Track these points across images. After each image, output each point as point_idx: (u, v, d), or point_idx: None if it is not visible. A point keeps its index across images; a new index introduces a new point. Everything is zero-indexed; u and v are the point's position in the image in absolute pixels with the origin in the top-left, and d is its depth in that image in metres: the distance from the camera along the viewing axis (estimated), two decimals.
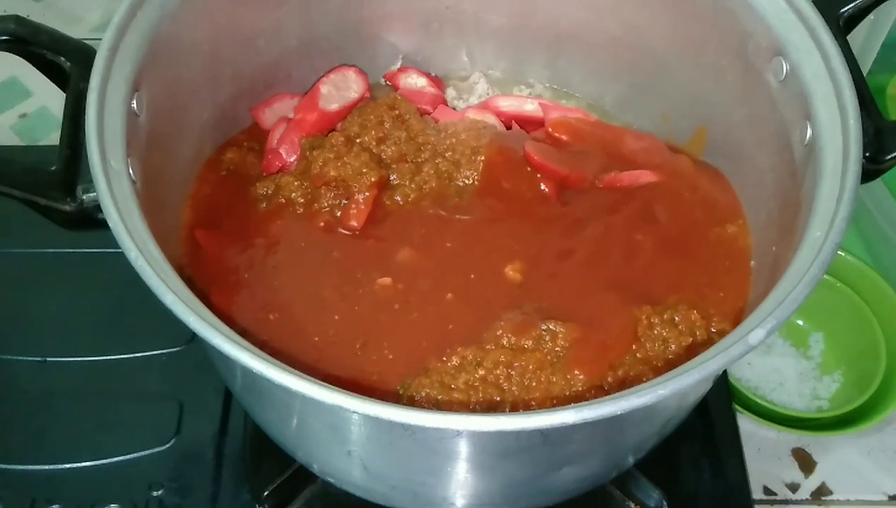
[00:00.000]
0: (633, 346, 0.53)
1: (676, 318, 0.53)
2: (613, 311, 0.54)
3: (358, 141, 0.63)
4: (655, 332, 0.53)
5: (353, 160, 0.61)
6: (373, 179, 0.60)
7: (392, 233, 0.60)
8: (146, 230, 0.45)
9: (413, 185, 0.62)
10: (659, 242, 0.59)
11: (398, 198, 0.62)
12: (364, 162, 0.61)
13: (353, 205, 0.60)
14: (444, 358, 0.52)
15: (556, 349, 0.52)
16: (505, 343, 0.52)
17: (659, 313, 0.53)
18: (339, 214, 0.61)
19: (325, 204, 0.61)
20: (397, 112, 0.65)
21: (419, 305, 0.56)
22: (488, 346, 0.52)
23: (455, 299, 0.56)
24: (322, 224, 0.60)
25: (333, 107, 0.66)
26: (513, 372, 0.51)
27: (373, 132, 0.63)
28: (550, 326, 0.52)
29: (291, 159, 0.64)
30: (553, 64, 0.73)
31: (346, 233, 0.60)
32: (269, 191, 0.62)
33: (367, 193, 0.60)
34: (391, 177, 0.62)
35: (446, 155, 0.63)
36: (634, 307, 0.54)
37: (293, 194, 0.61)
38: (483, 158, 0.63)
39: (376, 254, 0.59)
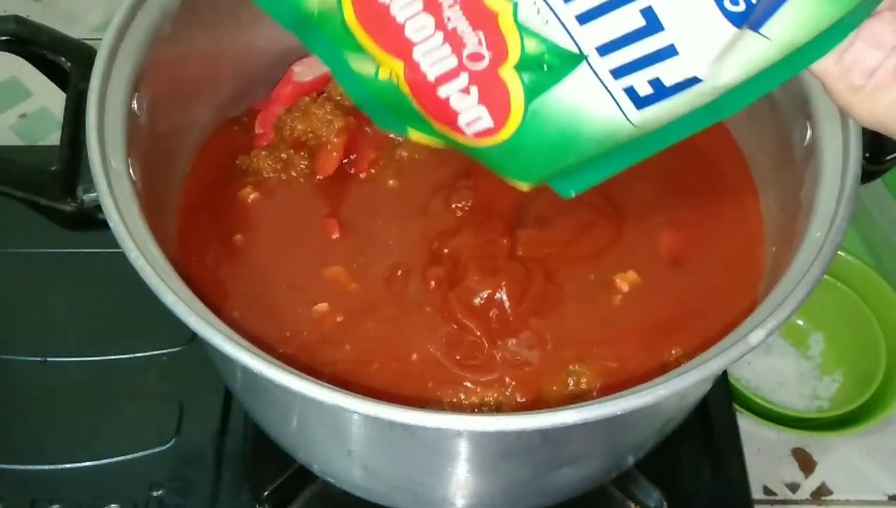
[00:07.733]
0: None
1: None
2: (643, 355, 0.51)
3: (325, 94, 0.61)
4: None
5: (318, 109, 0.59)
6: (338, 125, 0.59)
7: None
8: (146, 230, 0.45)
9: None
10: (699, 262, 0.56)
11: (404, 155, 0.60)
12: (329, 110, 0.59)
13: (322, 154, 0.59)
14: (462, 395, 0.50)
15: (581, 387, 0.50)
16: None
17: (689, 355, 0.49)
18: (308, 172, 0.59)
19: (297, 167, 0.59)
20: None
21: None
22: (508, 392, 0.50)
23: None
24: (294, 191, 0.58)
25: (307, 79, 0.64)
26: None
27: None
28: (576, 367, 0.50)
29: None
30: None
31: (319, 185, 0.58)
32: (245, 167, 0.60)
33: (335, 139, 0.59)
34: (395, 139, 0.60)
35: None
36: (665, 351, 0.51)
37: (262, 164, 0.59)
38: None
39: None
